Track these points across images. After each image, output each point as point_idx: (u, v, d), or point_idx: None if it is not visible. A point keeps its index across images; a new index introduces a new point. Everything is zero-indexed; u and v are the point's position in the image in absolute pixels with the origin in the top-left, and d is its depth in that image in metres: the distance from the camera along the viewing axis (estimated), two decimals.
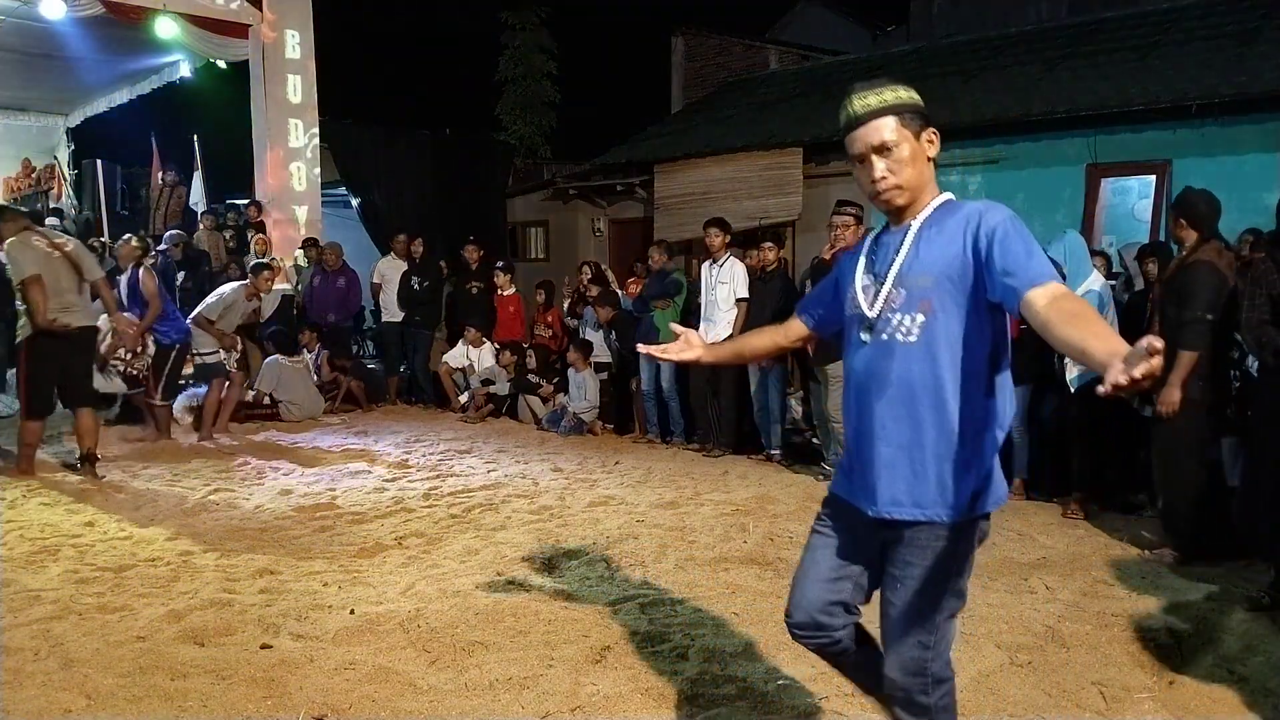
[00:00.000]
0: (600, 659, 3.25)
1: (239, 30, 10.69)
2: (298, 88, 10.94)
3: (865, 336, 2.13)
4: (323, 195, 11.53)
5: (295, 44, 10.88)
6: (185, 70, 11.72)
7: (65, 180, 13.93)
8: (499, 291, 9.71)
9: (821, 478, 6.13)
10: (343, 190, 12.82)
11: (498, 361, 9.19)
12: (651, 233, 11.17)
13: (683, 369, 7.43)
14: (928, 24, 15.33)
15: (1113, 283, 6.61)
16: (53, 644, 3.35)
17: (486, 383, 9.09)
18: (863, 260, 2.22)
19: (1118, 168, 8.53)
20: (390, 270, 9.80)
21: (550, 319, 9.60)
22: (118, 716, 2.84)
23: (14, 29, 9.97)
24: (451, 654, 3.32)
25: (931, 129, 2.11)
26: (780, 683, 3.11)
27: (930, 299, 2.04)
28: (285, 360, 8.62)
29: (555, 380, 8.85)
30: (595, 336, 8.57)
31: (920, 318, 2.05)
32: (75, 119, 14.08)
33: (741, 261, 7.05)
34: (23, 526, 4.95)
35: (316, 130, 11.13)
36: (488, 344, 9.38)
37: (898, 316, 2.07)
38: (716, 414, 7.25)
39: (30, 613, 3.66)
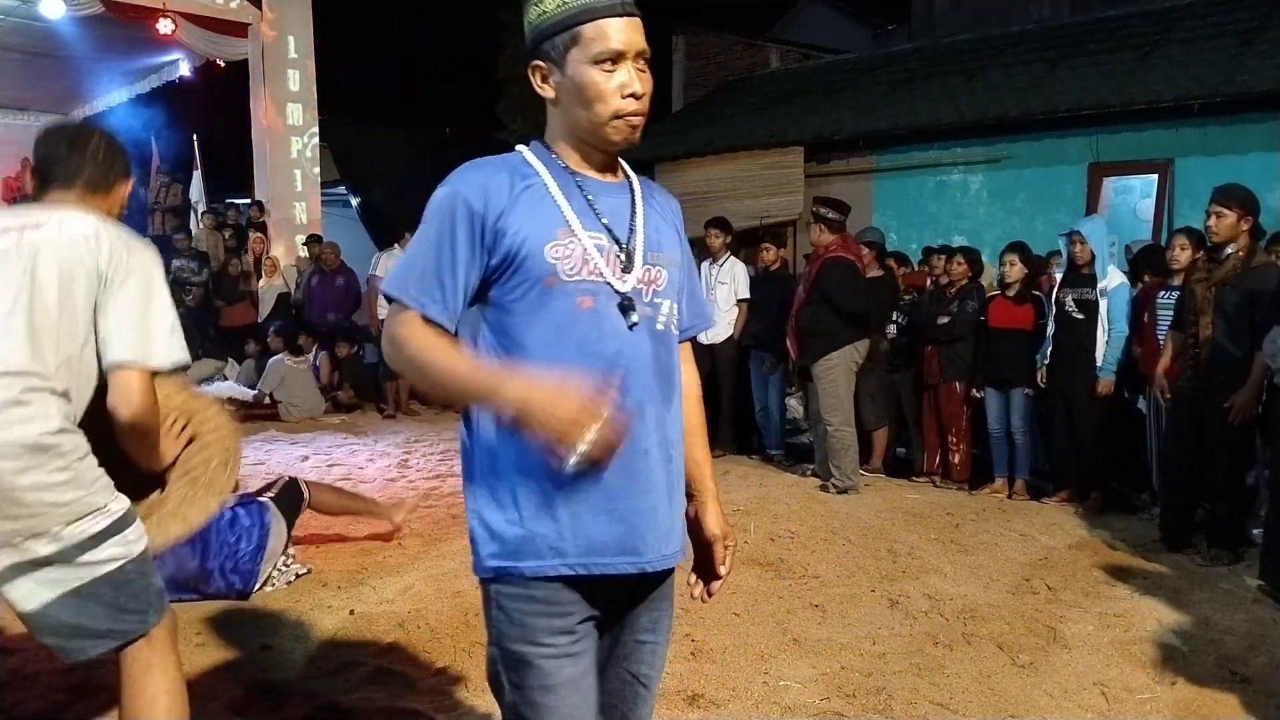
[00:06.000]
0: None
1: (239, 30, 10.70)
2: (297, 87, 10.94)
3: (633, 317, 1.50)
4: (323, 195, 11.53)
5: (295, 43, 10.89)
6: (185, 70, 11.72)
7: None
8: None
9: (821, 479, 6.10)
10: (343, 190, 12.82)
11: None
12: None
13: None
14: (929, 23, 15.29)
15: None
16: None
17: None
18: (564, 201, 1.49)
19: (1120, 167, 8.52)
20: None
21: None
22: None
23: (14, 28, 9.98)
24: (451, 654, 3.31)
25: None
26: (781, 683, 3.11)
27: (678, 290, 1.63)
28: (290, 360, 8.61)
29: None
30: None
31: (676, 309, 1.63)
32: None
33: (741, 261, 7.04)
34: None
35: (316, 130, 11.13)
36: None
37: (665, 303, 1.57)
38: (717, 414, 7.24)
39: None
